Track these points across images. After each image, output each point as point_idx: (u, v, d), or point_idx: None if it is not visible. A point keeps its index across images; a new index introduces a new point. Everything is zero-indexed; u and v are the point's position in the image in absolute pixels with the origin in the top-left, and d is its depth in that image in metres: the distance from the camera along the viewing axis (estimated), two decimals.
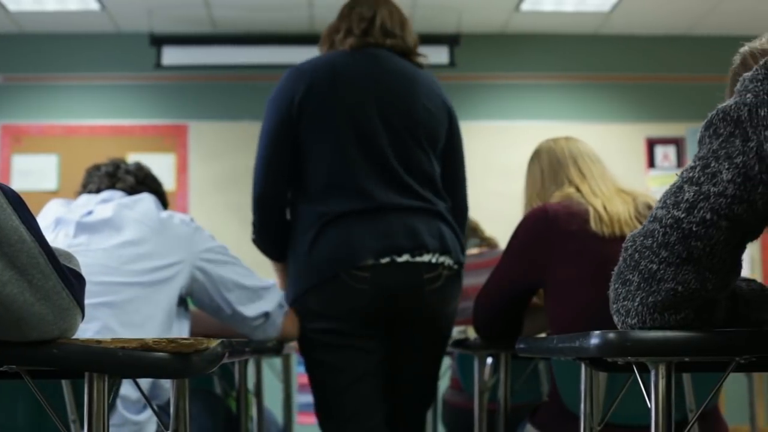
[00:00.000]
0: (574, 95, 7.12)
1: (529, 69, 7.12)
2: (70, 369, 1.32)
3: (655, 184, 6.92)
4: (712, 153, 1.32)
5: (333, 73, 2.72)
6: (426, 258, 2.66)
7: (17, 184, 6.63)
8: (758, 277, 6.61)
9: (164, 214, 2.49)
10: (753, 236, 1.35)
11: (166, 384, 2.33)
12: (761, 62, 1.34)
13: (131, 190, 2.62)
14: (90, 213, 2.44)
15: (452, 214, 2.81)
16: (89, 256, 2.32)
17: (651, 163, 7.09)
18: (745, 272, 6.04)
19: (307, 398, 2.84)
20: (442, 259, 2.69)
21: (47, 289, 1.24)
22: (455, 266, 2.74)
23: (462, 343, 2.85)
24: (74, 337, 1.31)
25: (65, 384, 1.63)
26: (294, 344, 2.95)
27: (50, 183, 6.80)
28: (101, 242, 2.38)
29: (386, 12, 2.82)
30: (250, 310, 2.60)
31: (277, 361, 3.77)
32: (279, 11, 6.59)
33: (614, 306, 1.37)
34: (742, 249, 1.35)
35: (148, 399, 1.50)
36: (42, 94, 6.93)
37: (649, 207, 2.43)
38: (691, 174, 1.33)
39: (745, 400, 3.73)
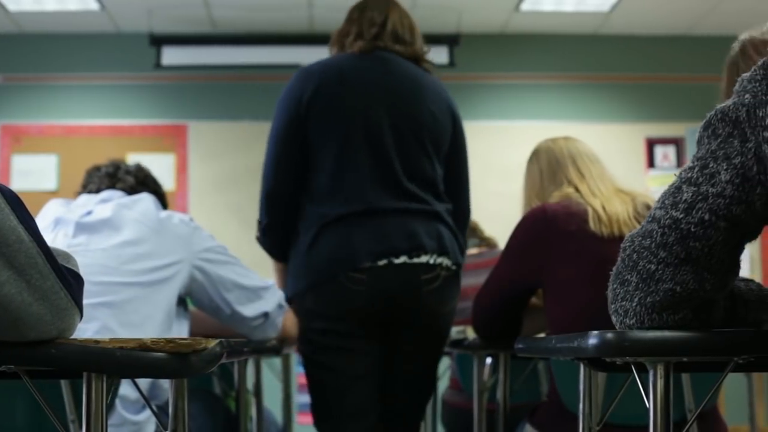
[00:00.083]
0: (574, 95, 7.13)
1: (528, 69, 7.13)
2: (69, 369, 1.32)
3: (654, 184, 6.92)
4: (710, 153, 1.31)
5: (340, 75, 2.74)
6: (424, 259, 2.67)
7: (17, 184, 6.64)
8: (758, 277, 6.61)
9: (163, 213, 2.49)
10: (751, 237, 1.35)
11: (166, 384, 2.33)
12: (759, 62, 1.33)
13: (131, 190, 2.62)
14: (89, 213, 2.44)
15: (455, 216, 2.82)
16: (88, 256, 2.32)
17: (651, 163, 7.09)
18: (745, 272, 6.01)
19: (307, 398, 2.84)
20: (440, 260, 2.70)
21: (45, 289, 1.24)
22: (453, 267, 2.74)
23: (461, 343, 2.85)
24: (73, 337, 1.31)
25: (64, 384, 1.63)
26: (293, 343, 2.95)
27: (50, 183, 6.81)
28: (100, 242, 2.38)
29: (397, 17, 2.84)
30: (249, 310, 2.60)
31: (277, 361, 3.77)
32: (279, 11, 6.59)
33: (612, 306, 1.37)
34: (741, 249, 1.35)
35: (146, 399, 1.50)
36: (42, 94, 6.93)
37: (648, 207, 2.43)
38: (689, 174, 1.33)
39: (745, 400, 3.72)
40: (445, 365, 3.84)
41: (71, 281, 1.28)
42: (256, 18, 6.71)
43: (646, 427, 1.35)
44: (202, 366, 1.31)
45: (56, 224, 2.43)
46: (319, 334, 2.70)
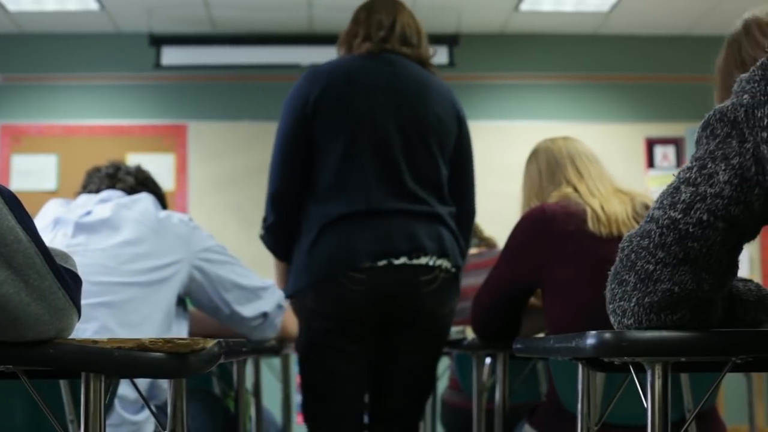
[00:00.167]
0: (574, 95, 7.13)
1: (528, 69, 7.13)
2: (67, 369, 1.33)
3: (654, 184, 6.92)
4: (708, 154, 1.31)
5: (348, 76, 2.76)
6: (423, 260, 2.68)
7: (17, 184, 6.64)
8: (757, 278, 6.60)
9: (162, 213, 2.49)
10: (750, 237, 1.35)
11: (165, 384, 2.33)
12: (758, 63, 1.33)
13: (130, 191, 2.62)
14: (89, 213, 2.44)
15: (460, 218, 2.84)
16: (87, 256, 2.32)
17: (650, 163, 7.09)
18: (745, 272, 5.99)
19: None
20: (439, 261, 2.71)
21: (43, 289, 1.24)
22: (453, 269, 2.75)
23: (460, 343, 2.85)
24: (72, 337, 1.31)
25: (63, 384, 1.63)
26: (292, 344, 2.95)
27: (50, 183, 6.81)
28: (99, 242, 2.38)
29: (405, 20, 2.87)
30: (249, 310, 2.60)
31: (276, 361, 3.77)
32: (278, 11, 6.59)
33: (611, 306, 1.37)
34: (739, 250, 1.35)
35: (145, 399, 1.50)
36: (41, 94, 6.93)
37: (647, 207, 2.43)
38: (687, 175, 1.33)
39: (744, 400, 3.72)
40: (444, 365, 3.84)
41: (69, 281, 1.28)
42: (256, 18, 6.71)
43: (645, 427, 1.35)
44: (201, 366, 1.31)
45: (55, 224, 2.43)
46: (317, 333, 2.71)
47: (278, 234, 2.82)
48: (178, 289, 2.44)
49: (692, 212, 1.30)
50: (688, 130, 6.99)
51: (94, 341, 1.27)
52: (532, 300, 2.61)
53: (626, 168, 6.53)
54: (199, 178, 6.92)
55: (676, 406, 2.26)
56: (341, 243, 2.66)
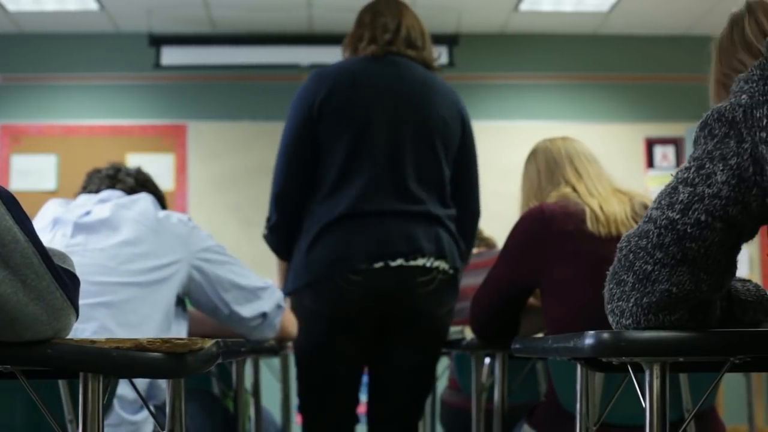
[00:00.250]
0: (573, 95, 7.13)
1: (528, 69, 7.13)
2: (65, 369, 1.33)
3: (654, 184, 6.92)
4: (706, 154, 1.31)
5: (353, 78, 2.78)
6: (420, 262, 2.69)
7: (16, 184, 6.64)
8: (757, 278, 6.61)
9: (161, 213, 2.49)
10: (748, 237, 1.35)
11: (164, 384, 2.33)
12: (756, 63, 1.34)
13: (130, 191, 2.62)
14: (88, 213, 2.44)
15: (464, 220, 2.86)
16: (86, 257, 2.32)
17: (650, 163, 7.09)
18: (744, 272, 5.99)
19: None
20: (437, 263, 2.72)
21: (41, 289, 1.24)
22: (451, 271, 2.76)
23: (459, 343, 2.85)
24: (71, 337, 1.31)
25: (62, 384, 1.63)
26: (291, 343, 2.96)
27: (49, 183, 6.80)
28: (98, 242, 2.37)
29: (410, 22, 2.89)
30: (248, 310, 2.60)
31: (276, 361, 3.77)
32: (278, 11, 6.59)
33: (609, 306, 1.37)
34: (737, 250, 1.35)
35: (143, 399, 1.50)
36: (41, 94, 6.93)
37: (646, 207, 2.43)
38: (686, 175, 1.33)
39: (744, 400, 3.72)
40: (443, 365, 3.84)
41: (67, 281, 1.28)
42: (256, 18, 6.71)
43: (643, 427, 1.35)
44: (199, 366, 1.31)
45: (55, 224, 2.42)
46: (315, 332, 2.72)
47: (281, 234, 2.83)
48: (177, 289, 2.43)
49: (690, 213, 1.30)
50: (687, 130, 6.98)
51: (92, 341, 1.27)
52: (531, 300, 2.61)
53: (626, 168, 6.53)
54: (199, 178, 6.92)
55: (675, 406, 2.26)
56: (339, 244, 2.67)
